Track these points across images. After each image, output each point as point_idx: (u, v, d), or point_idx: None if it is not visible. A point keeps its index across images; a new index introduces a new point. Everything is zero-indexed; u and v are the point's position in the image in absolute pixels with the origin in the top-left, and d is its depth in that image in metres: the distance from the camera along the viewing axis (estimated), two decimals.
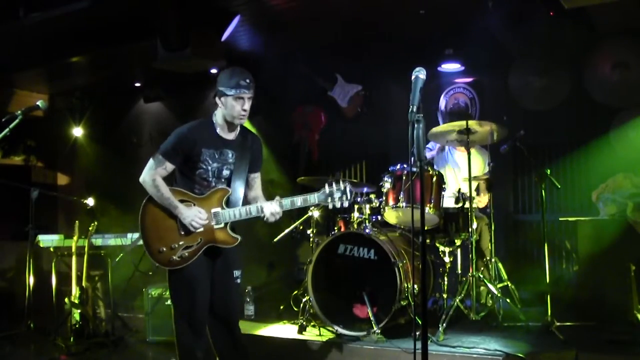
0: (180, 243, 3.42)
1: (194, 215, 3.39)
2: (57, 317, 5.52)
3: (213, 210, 3.45)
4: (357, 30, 6.36)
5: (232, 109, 3.40)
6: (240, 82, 3.37)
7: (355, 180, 5.28)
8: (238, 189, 3.53)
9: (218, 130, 3.50)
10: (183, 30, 5.68)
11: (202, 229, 3.42)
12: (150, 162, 3.47)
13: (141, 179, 3.48)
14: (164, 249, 3.42)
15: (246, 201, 3.60)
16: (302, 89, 7.21)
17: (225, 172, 3.51)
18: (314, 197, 3.40)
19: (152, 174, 3.45)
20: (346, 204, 3.38)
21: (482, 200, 5.39)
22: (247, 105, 3.44)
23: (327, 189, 3.38)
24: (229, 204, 3.49)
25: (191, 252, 3.42)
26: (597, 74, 5.90)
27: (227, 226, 3.47)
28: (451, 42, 6.49)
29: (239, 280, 3.59)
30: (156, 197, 3.44)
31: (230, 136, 3.53)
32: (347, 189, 3.36)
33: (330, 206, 3.39)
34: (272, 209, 3.41)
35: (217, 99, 3.46)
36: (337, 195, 3.36)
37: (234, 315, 3.63)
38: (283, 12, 5.97)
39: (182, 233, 3.43)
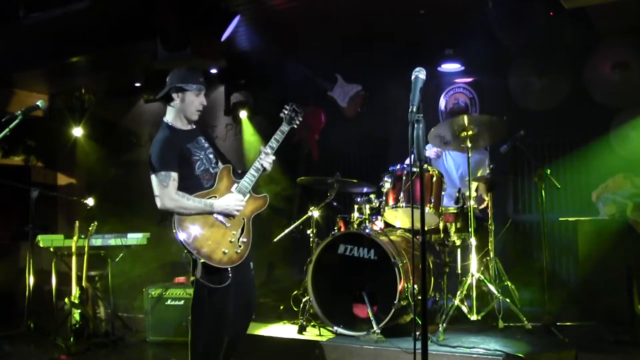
0: (234, 233, 3.49)
1: (234, 200, 3.50)
2: (57, 317, 5.52)
3: (233, 189, 3.57)
4: (357, 30, 6.35)
5: (191, 103, 3.57)
6: (200, 79, 3.60)
7: (355, 180, 5.28)
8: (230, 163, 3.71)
9: (178, 127, 3.61)
10: (183, 30, 5.68)
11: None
12: (158, 185, 3.41)
13: (161, 206, 3.41)
14: (227, 249, 3.43)
15: None
16: (302, 89, 7.20)
17: (212, 156, 3.64)
18: (284, 127, 3.75)
19: (168, 191, 3.39)
20: (301, 118, 3.85)
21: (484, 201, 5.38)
22: (205, 102, 3.64)
23: (284, 116, 3.78)
24: (236, 176, 3.64)
25: (245, 234, 3.53)
26: (597, 74, 5.89)
27: (251, 193, 3.62)
28: (451, 42, 6.49)
29: (253, 272, 3.69)
30: (187, 208, 3.39)
31: (189, 127, 3.67)
32: (294, 106, 3.81)
33: (295, 126, 3.82)
34: (268, 160, 3.62)
35: (173, 94, 3.54)
36: (293, 114, 3.80)
37: (251, 312, 3.71)
38: (283, 12, 5.97)
39: (228, 225, 3.49)
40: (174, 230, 3.38)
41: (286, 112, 3.80)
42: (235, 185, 3.58)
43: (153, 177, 3.44)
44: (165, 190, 3.39)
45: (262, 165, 3.61)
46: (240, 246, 3.49)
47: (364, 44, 6.58)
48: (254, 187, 3.64)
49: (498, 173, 5.05)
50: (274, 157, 3.66)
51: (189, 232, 3.40)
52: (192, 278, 3.47)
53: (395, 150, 6.68)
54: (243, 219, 3.55)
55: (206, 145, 3.65)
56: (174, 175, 3.43)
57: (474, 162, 5.03)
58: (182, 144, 3.52)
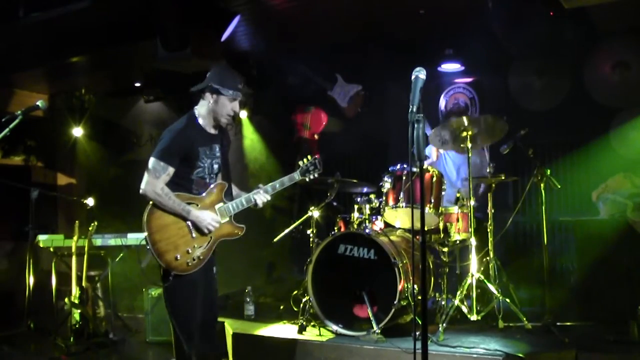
0: (194, 245, 3.45)
1: (209, 218, 3.46)
2: (57, 317, 5.53)
3: (217, 207, 3.53)
4: (357, 30, 6.35)
5: (223, 108, 3.53)
6: (238, 85, 3.55)
7: (355, 180, 5.28)
8: (229, 181, 3.65)
9: (203, 125, 3.57)
10: (183, 30, 5.68)
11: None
12: (150, 171, 3.39)
13: (143, 191, 3.38)
14: (180, 256, 3.40)
15: None
16: (302, 89, 7.20)
17: (215, 167, 3.59)
18: (295, 176, 3.76)
19: (156, 183, 3.37)
20: (317, 175, 3.81)
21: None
22: (238, 109, 3.60)
23: (302, 165, 3.78)
24: (227, 197, 3.59)
25: (205, 251, 3.47)
26: (597, 74, 5.89)
27: (232, 218, 3.57)
28: (451, 42, 6.49)
29: (216, 276, 3.68)
30: (165, 206, 3.38)
31: (213, 131, 3.62)
32: (317, 161, 3.79)
33: (308, 179, 3.79)
34: (263, 198, 3.63)
35: (207, 93, 3.52)
36: (311, 168, 3.78)
37: (216, 310, 3.70)
38: (283, 12, 5.96)
39: (194, 236, 3.45)
40: (144, 216, 3.37)
41: (305, 163, 3.78)
42: (221, 204, 3.55)
43: (151, 160, 3.41)
44: (154, 180, 3.37)
45: (255, 200, 3.59)
46: (194, 260, 3.43)
47: (364, 44, 6.58)
48: (238, 214, 3.60)
49: (498, 174, 5.05)
50: (269, 198, 3.65)
51: (155, 223, 3.38)
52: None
53: (395, 150, 6.69)
54: (211, 237, 3.51)
55: (218, 154, 3.60)
56: (171, 170, 3.41)
57: (472, 163, 5.02)
58: (194, 144, 3.47)
